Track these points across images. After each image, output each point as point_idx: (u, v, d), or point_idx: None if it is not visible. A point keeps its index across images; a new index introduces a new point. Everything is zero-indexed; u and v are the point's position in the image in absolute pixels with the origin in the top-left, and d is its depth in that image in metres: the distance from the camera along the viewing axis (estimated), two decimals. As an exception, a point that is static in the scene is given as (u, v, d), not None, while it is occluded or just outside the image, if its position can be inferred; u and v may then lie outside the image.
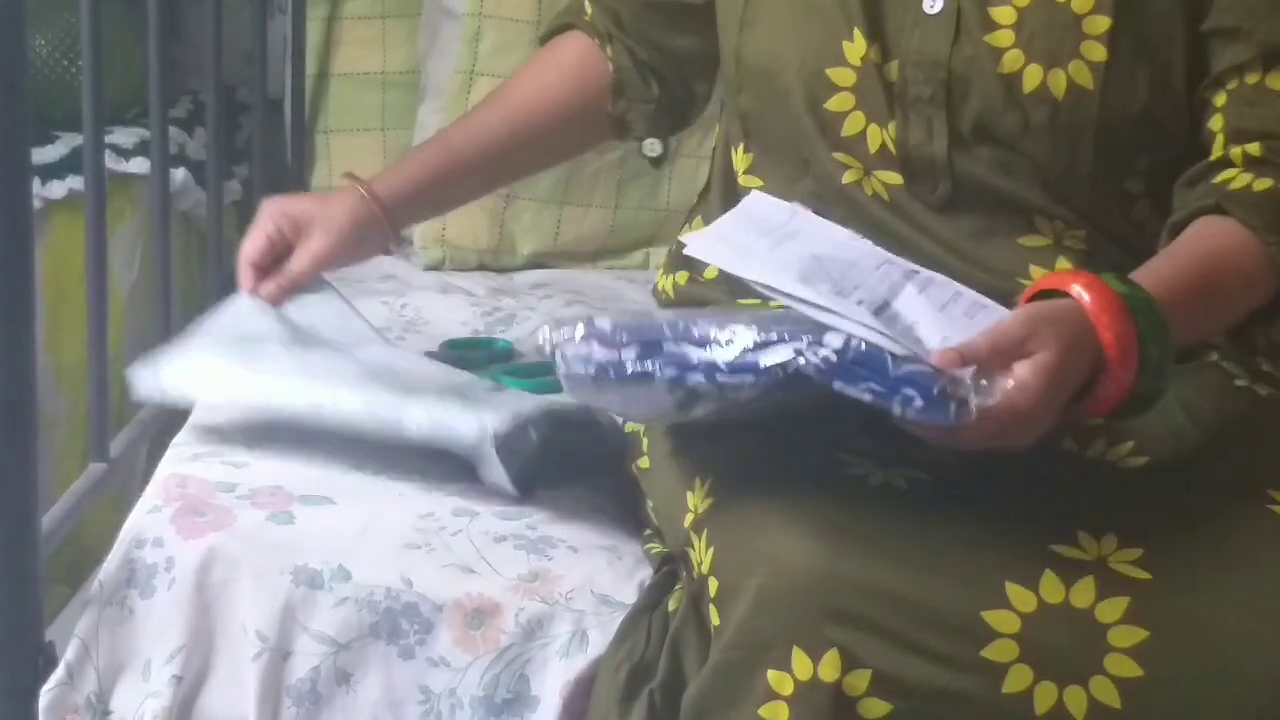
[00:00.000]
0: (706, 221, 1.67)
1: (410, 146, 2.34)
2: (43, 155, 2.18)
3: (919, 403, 1.27)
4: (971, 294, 1.41)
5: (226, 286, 2.19)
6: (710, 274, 1.66)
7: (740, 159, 1.62)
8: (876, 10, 1.51)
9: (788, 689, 1.31)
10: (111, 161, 2.16)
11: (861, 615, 1.29)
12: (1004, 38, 1.48)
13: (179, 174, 2.25)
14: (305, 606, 1.51)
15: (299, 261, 1.70)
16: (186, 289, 2.26)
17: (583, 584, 1.52)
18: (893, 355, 1.28)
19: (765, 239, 1.42)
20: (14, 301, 1.46)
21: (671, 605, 1.45)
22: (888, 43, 1.51)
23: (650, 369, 1.32)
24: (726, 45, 1.60)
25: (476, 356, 1.91)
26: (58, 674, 1.54)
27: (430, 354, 1.83)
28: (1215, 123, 1.49)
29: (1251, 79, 1.47)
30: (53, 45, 2.23)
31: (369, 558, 1.52)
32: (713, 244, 1.44)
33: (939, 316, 1.37)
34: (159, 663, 1.52)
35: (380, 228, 1.72)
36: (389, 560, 1.52)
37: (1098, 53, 1.47)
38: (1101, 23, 1.47)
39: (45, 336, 2.08)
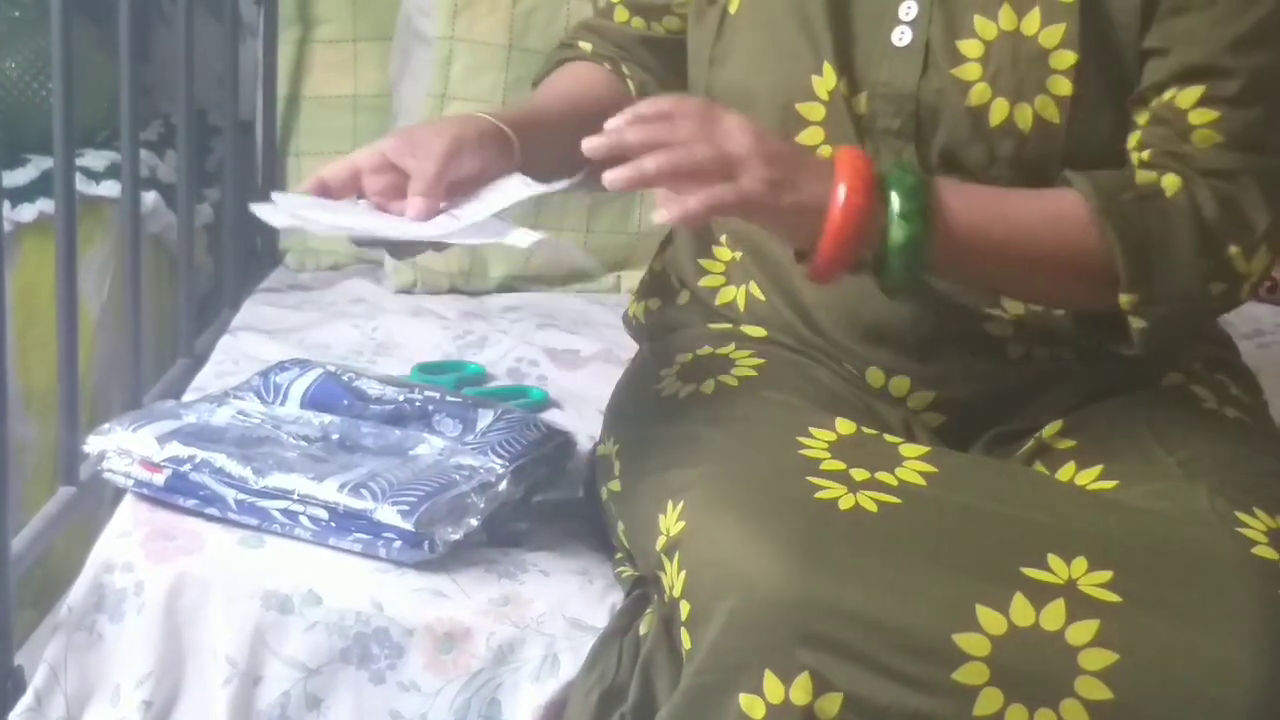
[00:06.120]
0: (678, 256, 1.67)
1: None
2: (13, 178, 2.17)
3: (398, 543, 1.51)
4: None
5: (197, 309, 2.20)
6: (683, 299, 1.66)
7: None
8: (846, 43, 1.51)
9: (759, 713, 1.30)
10: (82, 184, 2.16)
11: (833, 638, 1.29)
12: (971, 71, 1.49)
13: (150, 197, 2.25)
14: (275, 631, 1.50)
15: (420, 167, 1.46)
16: (157, 312, 2.26)
17: (554, 608, 1.52)
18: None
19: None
20: (-17, 325, 1.46)
21: (643, 629, 1.45)
22: (856, 75, 1.51)
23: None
24: (697, 81, 1.60)
25: (448, 380, 1.91)
26: (26, 699, 1.53)
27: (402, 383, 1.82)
28: (1133, 139, 1.50)
29: (1166, 96, 1.47)
30: (23, 68, 2.23)
31: (339, 582, 1.52)
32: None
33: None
34: (128, 688, 1.52)
35: (495, 131, 1.51)
36: (359, 584, 1.52)
37: (1064, 87, 1.47)
38: (1068, 58, 1.47)
39: (15, 360, 2.07)
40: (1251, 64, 1.45)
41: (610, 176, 1.35)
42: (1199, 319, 1.47)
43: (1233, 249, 1.45)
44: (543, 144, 1.55)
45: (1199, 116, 1.46)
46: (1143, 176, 1.45)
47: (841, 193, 1.38)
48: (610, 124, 1.37)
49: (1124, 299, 1.44)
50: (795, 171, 1.39)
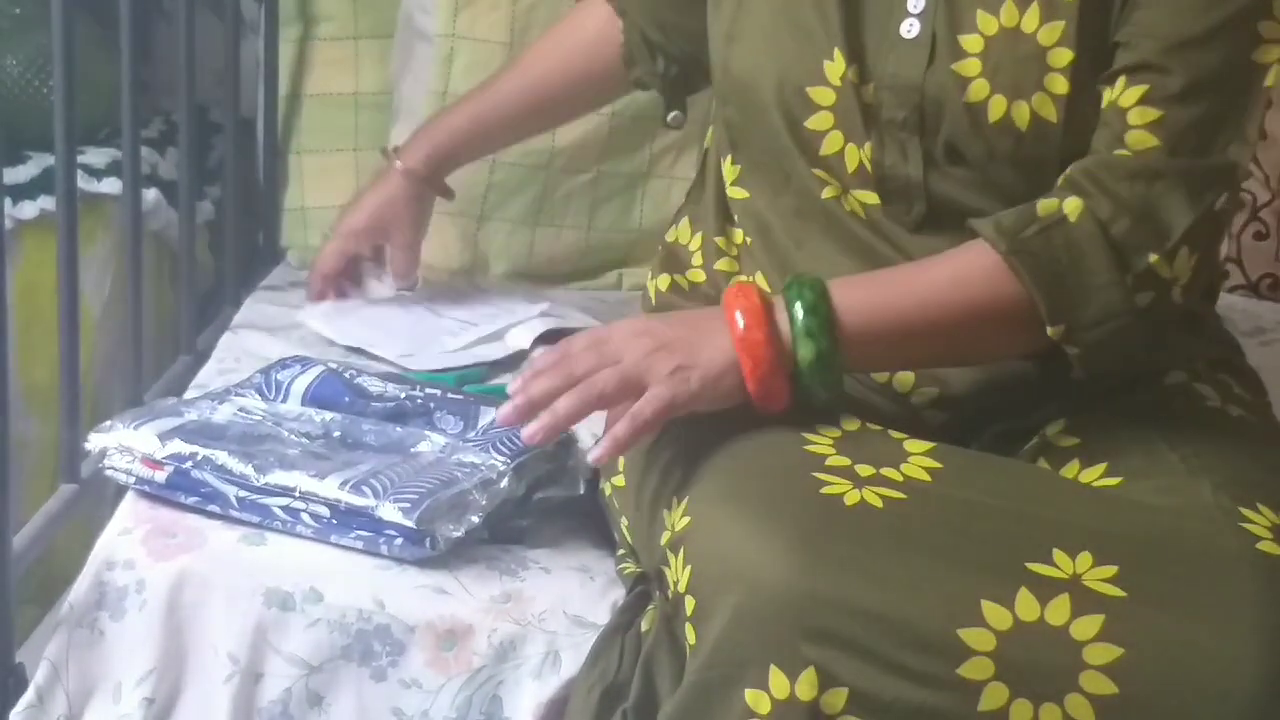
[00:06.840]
0: (694, 224, 1.68)
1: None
2: (14, 175, 2.16)
3: (399, 540, 1.51)
4: None
5: (198, 307, 2.20)
6: (696, 277, 1.66)
7: (728, 169, 1.63)
8: (856, 31, 1.51)
9: (765, 708, 1.30)
10: (83, 182, 2.15)
11: (838, 634, 1.29)
12: (971, 66, 1.48)
13: (151, 194, 2.24)
14: (277, 628, 1.50)
15: (399, 262, 2.05)
16: (158, 310, 2.25)
17: (555, 605, 1.52)
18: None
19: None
20: (-15, 321, 1.45)
21: (644, 625, 1.45)
22: (866, 65, 1.51)
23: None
24: (715, 57, 1.61)
25: (449, 377, 1.91)
26: (27, 696, 1.53)
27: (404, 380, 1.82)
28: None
29: (1115, 90, 1.46)
30: (24, 65, 2.22)
31: (341, 579, 1.52)
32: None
33: None
34: (130, 685, 1.52)
35: (428, 192, 2.00)
36: (361, 581, 1.52)
37: (1061, 86, 1.47)
38: (1065, 56, 1.47)
39: (16, 357, 2.07)
40: (1198, 62, 1.44)
41: (529, 433, 1.44)
42: (1138, 331, 1.46)
43: (1152, 258, 1.44)
44: (459, 164, 2.00)
45: (1139, 116, 1.44)
46: (1045, 206, 1.45)
47: (740, 326, 1.41)
48: (512, 388, 1.45)
49: (1052, 331, 1.45)
50: (692, 346, 1.42)
